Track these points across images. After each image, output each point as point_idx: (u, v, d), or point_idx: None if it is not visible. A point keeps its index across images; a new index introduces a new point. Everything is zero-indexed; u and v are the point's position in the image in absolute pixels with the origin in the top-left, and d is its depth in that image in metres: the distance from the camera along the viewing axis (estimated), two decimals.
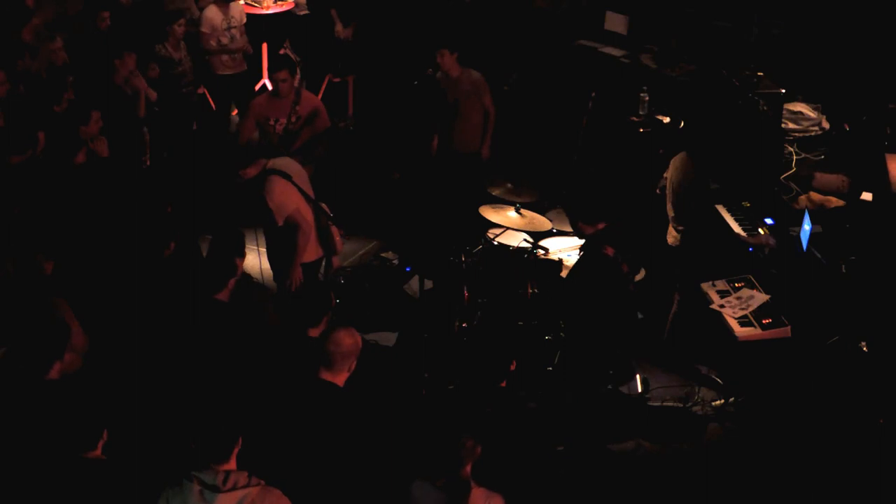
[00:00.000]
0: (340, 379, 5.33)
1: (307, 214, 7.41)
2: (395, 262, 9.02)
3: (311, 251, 7.53)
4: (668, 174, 8.06)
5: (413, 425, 5.75)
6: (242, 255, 6.54)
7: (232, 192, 7.65)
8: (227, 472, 4.56)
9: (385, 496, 5.19)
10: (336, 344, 5.31)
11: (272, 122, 8.59)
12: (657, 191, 8.27)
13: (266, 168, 7.34)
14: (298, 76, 8.85)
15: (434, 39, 9.42)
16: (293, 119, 8.56)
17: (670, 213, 8.00)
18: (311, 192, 7.54)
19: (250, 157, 7.41)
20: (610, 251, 6.76)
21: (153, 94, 9.22)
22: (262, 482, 4.59)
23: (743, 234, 7.87)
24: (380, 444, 5.39)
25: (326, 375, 5.30)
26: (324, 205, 7.61)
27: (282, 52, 11.19)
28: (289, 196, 7.34)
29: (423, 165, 9.73)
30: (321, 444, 5.17)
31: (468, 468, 4.95)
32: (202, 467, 4.56)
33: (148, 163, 8.35)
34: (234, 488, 4.51)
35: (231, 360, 5.85)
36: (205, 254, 6.94)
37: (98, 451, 4.76)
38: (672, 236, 8.02)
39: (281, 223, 7.28)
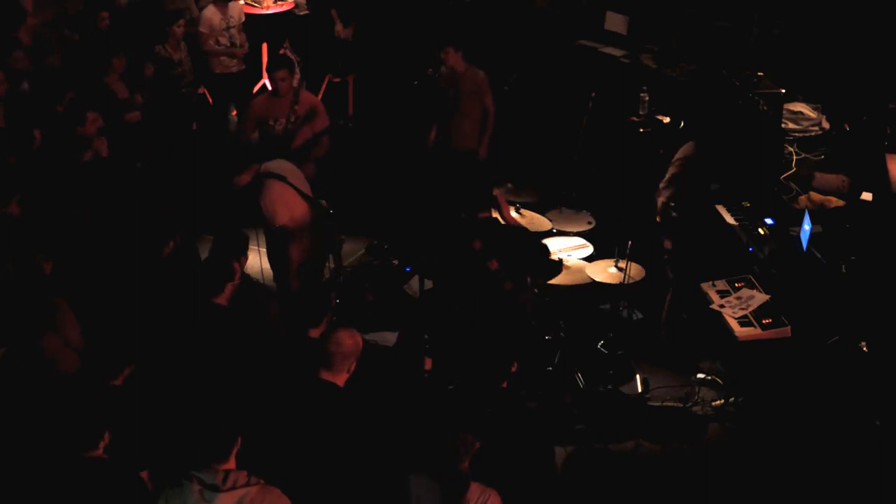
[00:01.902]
0: (340, 379, 5.33)
1: (303, 216, 7.43)
2: (395, 262, 9.01)
3: (310, 251, 7.55)
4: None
5: (413, 425, 5.74)
6: (244, 257, 6.55)
7: (232, 193, 7.67)
8: (227, 472, 4.56)
9: (384, 496, 5.18)
10: (336, 344, 5.31)
11: (271, 122, 8.59)
12: None
13: (260, 172, 7.36)
14: (298, 76, 8.84)
15: (434, 39, 9.41)
16: (292, 119, 8.56)
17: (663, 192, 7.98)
18: (308, 191, 7.56)
19: (243, 163, 7.43)
20: (477, 244, 6.60)
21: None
22: (262, 481, 4.59)
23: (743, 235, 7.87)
24: (379, 443, 5.39)
25: (326, 375, 5.30)
26: (324, 202, 7.63)
27: (281, 52, 11.19)
28: (284, 199, 7.38)
29: (421, 162, 9.72)
30: (321, 443, 5.17)
31: (466, 463, 4.95)
32: (202, 467, 4.56)
33: (138, 165, 8.32)
34: (233, 487, 4.51)
35: (230, 360, 5.84)
36: (206, 254, 6.94)
37: (100, 451, 4.76)
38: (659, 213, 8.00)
39: (275, 227, 7.32)
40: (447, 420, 5.55)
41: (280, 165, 7.54)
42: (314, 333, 5.74)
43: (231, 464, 4.61)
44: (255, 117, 8.71)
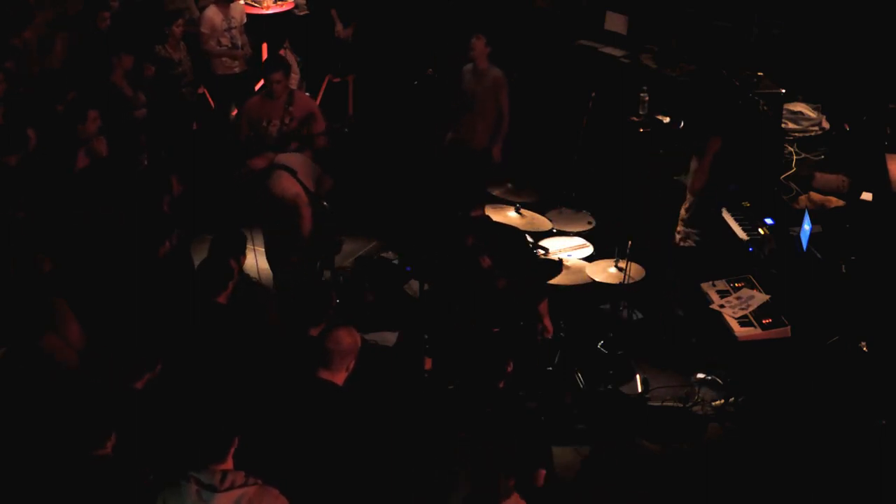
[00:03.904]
0: (339, 378, 5.32)
1: (305, 212, 7.48)
2: (395, 261, 9.01)
3: (308, 250, 7.59)
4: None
5: (412, 425, 5.74)
6: (242, 256, 6.56)
7: (231, 193, 7.67)
8: (225, 472, 4.55)
9: (383, 496, 5.18)
10: (335, 342, 5.30)
11: (264, 124, 8.53)
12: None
13: (273, 163, 7.41)
14: (297, 76, 8.83)
15: (433, 40, 9.41)
16: (286, 120, 8.52)
17: (682, 214, 7.99)
18: (312, 188, 7.59)
19: (257, 149, 7.45)
20: (469, 240, 6.62)
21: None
22: (259, 481, 4.59)
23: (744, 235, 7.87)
24: (378, 444, 5.39)
25: (325, 374, 5.29)
26: (323, 202, 7.64)
27: (281, 52, 11.18)
28: (293, 192, 7.43)
29: (421, 162, 9.72)
30: (319, 443, 5.17)
31: (511, 482, 4.84)
32: (199, 467, 4.56)
33: (145, 163, 8.34)
34: (231, 488, 4.51)
35: (229, 359, 5.84)
36: (205, 254, 6.95)
37: (108, 450, 4.76)
38: (678, 234, 8.01)
39: (284, 211, 7.38)
40: (447, 421, 5.55)
41: (291, 159, 7.60)
42: (314, 333, 5.74)
43: (228, 464, 4.60)
44: (248, 118, 8.68)
